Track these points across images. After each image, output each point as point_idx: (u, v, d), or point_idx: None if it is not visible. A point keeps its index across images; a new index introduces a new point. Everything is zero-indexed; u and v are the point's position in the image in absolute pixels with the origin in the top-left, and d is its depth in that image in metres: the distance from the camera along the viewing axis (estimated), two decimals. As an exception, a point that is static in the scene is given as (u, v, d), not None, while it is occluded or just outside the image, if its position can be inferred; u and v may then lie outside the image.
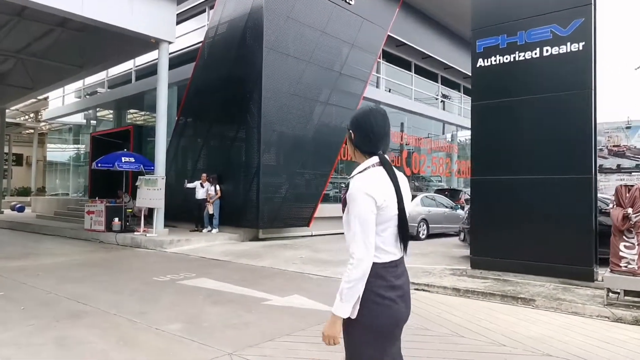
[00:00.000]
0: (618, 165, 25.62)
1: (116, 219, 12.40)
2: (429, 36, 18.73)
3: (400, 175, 1.89)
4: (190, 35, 15.02)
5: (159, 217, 11.74)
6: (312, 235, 13.72)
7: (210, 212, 12.60)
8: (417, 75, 19.72)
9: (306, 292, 6.31)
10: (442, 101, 21.84)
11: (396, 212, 1.83)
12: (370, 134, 1.86)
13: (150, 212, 12.12)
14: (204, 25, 14.47)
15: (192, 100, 14.24)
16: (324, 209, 13.67)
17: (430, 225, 13.97)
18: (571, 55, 6.58)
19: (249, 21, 12.56)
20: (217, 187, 12.66)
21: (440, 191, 17.53)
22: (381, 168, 1.84)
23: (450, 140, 22.91)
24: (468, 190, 19.34)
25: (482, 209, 7.42)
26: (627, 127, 25.06)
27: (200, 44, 14.22)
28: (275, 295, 6.10)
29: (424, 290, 6.54)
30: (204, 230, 12.72)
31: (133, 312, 5.21)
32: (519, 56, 7.05)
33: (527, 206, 6.93)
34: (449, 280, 6.93)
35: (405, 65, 19.10)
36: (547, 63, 6.78)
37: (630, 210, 5.24)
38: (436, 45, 19.22)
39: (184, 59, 14.87)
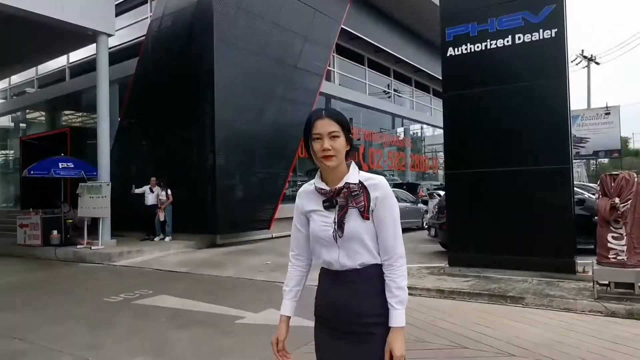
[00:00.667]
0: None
1: (55, 232, 11.17)
2: (381, 30, 18.55)
3: None
4: (132, 28, 13.89)
5: (104, 227, 10.68)
6: (272, 238, 13.09)
7: (162, 218, 11.66)
8: (370, 69, 19.51)
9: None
10: (394, 95, 21.80)
11: None
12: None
13: (94, 222, 11.02)
14: (147, 17, 13.41)
15: (136, 98, 13.15)
16: (284, 210, 13.07)
17: None
18: (544, 43, 6.40)
19: (197, 12, 11.71)
20: (169, 191, 11.73)
21: (398, 185, 17.41)
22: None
23: (403, 134, 22.96)
24: (425, 183, 19.49)
25: (459, 204, 7.14)
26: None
27: (143, 38, 13.16)
28: (248, 312, 5.48)
29: (406, 293, 6.14)
30: (156, 239, 11.76)
31: (84, 346, 4.42)
32: (491, 44, 6.81)
33: (504, 199, 6.72)
34: (430, 280, 6.59)
35: (358, 59, 18.82)
36: (520, 51, 6.57)
37: (617, 200, 5.09)
38: (388, 39, 19.07)
39: (125, 54, 13.73)
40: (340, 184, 1.68)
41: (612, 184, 5.22)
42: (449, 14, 7.20)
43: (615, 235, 5.17)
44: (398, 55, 19.78)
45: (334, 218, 1.69)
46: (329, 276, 1.77)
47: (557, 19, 6.33)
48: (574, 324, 4.68)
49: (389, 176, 21.36)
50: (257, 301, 6.02)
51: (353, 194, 1.67)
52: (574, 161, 27.37)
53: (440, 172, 26.07)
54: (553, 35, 6.34)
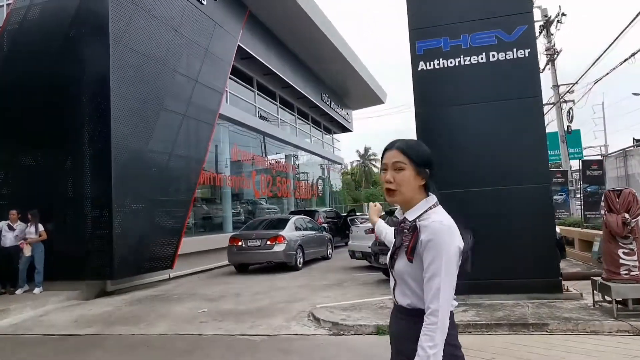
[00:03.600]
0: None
1: None
2: (271, 54, 17.88)
3: None
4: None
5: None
6: (170, 279, 11.05)
7: (28, 253, 8.79)
8: (259, 92, 18.62)
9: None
10: (279, 121, 21.19)
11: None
12: (434, 172, 1.68)
13: None
14: (2, 5, 10.51)
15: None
16: (185, 244, 11.21)
17: (305, 252, 12.36)
18: (519, 62, 6.41)
19: (84, 6, 9.50)
20: (40, 227, 9.02)
21: (295, 213, 16.59)
22: (440, 208, 1.65)
23: (288, 160, 22.37)
24: (322, 210, 19.05)
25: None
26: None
27: (-4, 31, 10.23)
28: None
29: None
30: (19, 291, 8.87)
31: None
32: (465, 60, 6.61)
33: (483, 221, 6.39)
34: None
35: (247, 80, 17.79)
36: (495, 68, 6.49)
37: (627, 215, 5.09)
38: (277, 64, 18.48)
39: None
40: (402, 217, 1.67)
41: (617, 200, 5.24)
42: (419, 26, 6.84)
43: (625, 250, 5.16)
44: (286, 79, 19.29)
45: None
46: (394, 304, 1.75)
47: (529, 39, 6.42)
48: (620, 348, 4.41)
49: (265, 204, 20.15)
50: (245, 366, 4.55)
51: (403, 231, 1.63)
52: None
53: (314, 199, 26.16)
54: (526, 54, 6.40)
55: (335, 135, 30.65)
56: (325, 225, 16.64)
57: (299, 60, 20.48)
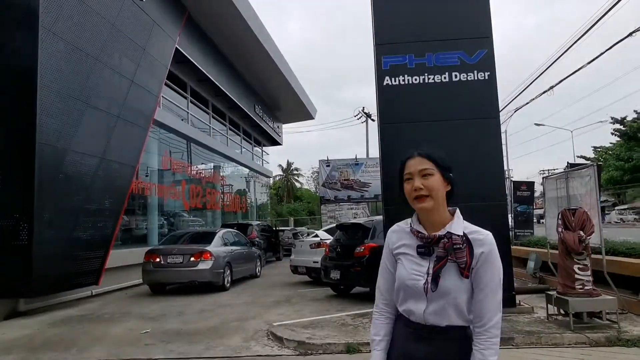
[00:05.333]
0: (348, 197, 29.78)
1: None
2: (208, 59, 17.24)
3: None
4: None
5: None
6: (92, 296, 9.98)
7: None
8: (192, 99, 17.81)
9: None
10: (211, 130, 20.42)
11: None
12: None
13: None
14: None
15: None
16: (114, 257, 10.22)
17: (233, 269, 10.87)
18: (479, 83, 6.68)
19: (8, -14, 8.40)
20: (-62, 237, 7.68)
21: (227, 226, 15.90)
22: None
23: (217, 171, 21.55)
24: (257, 223, 18.50)
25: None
26: (356, 164, 29.48)
27: None
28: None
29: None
30: None
31: None
32: (429, 78, 6.76)
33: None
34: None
35: (181, 85, 16.95)
36: (458, 88, 6.70)
37: (582, 232, 5.42)
38: (211, 70, 17.86)
39: None
40: (442, 232, 1.55)
41: (572, 218, 5.57)
42: (385, 42, 6.88)
43: (580, 266, 5.48)
44: (220, 87, 18.67)
45: (428, 269, 1.54)
46: (407, 327, 1.59)
47: (489, 63, 6.72)
48: (582, 358, 4.62)
49: (188, 217, 19.11)
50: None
51: (455, 246, 1.52)
52: (361, 204, 30.47)
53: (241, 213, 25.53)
54: (486, 77, 6.69)
55: (264, 148, 30.27)
56: (258, 239, 16.17)
57: (234, 69, 20.02)
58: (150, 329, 6.60)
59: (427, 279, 1.53)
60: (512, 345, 5.14)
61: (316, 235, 11.16)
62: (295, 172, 63.07)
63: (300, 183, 63.27)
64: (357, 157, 29.75)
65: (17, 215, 7.89)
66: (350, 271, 7.95)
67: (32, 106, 7.93)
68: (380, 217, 8.93)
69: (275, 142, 30.23)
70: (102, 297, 9.96)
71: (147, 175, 14.38)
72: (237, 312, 7.69)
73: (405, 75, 6.79)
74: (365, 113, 32.54)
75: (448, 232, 1.54)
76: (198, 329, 6.50)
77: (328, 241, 10.11)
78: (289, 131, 61.12)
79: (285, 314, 7.29)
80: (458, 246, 1.52)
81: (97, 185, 9.67)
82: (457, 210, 1.61)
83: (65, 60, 8.72)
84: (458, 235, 1.53)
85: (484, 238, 1.54)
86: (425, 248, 1.56)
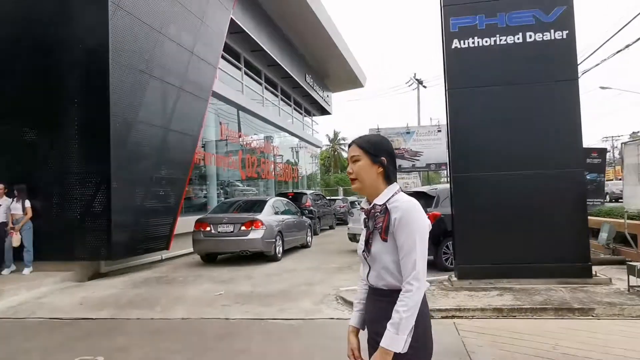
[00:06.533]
0: (399, 166, 29.43)
1: None
2: (261, 29, 17.23)
3: None
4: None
5: None
6: (162, 260, 10.56)
7: (17, 243, 8.17)
8: (246, 70, 17.96)
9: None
10: (264, 100, 20.60)
11: None
12: (394, 161, 1.81)
13: None
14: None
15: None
16: (181, 224, 10.71)
17: (285, 239, 10.68)
18: (557, 43, 6.29)
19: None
20: (27, 203, 8.33)
21: (282, 195, 16.19)
22: (403, 194, 1.76)
23: (269, 141, 21.85)
24: (310, 192, 18.75)
25: (467, 211, 6.51)
26: (407, 132, 28.96)
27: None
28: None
29: (455, 317, 5.19)
30: (5, 271, 8.20)
31: None
32: (501, 40, 6.44)
33: (515, 205, 6.35)
34: (454, 298, 5.75)
35: (234, 56, 17.10)
36: (532, 49, 6.35)
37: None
38: (265, 40, 17.85)
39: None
40: (370, 205, 1.76)
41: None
42: (453, 2, 6.59)
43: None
44: (273, 57, 18.68)
45: (366, 237, 1.77)
46: (368, 290, 1.83)
47: (568, 20, 6.30)
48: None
49: (242, 187, 19.52)
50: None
51: (375, 215, 1.71)
52: (413, 173, 30.01)
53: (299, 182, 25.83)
54: (564, 36, 6.29)
55: (314, 118, 30.27)
56: (312, 208, 16.38)
57: (286, 38, 19.93)
58: (223, 291, 6.94)
59: (364, 247, 1.75)
60: (593, 316, 5.00)
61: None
62: (342, 142, 62.79)
63: (347, 152, 62.96)
64: (409, 125, 29.20)
65: (97, 185, 8.40)
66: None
67: (105, 80, 8.29)
68: (444, 185, 8.81)
69: (325, 112, 30.14)
70: (171, 262, 10.52)
71: (202, 146, 14.79)
72: (302, 277, 7.92)
73: (475, 37, 6.50)
74: (417, 80, 31.64)
75: (374, 204, 1.73)
76: (269, 292, 6.77)
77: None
78: (338, 100, 60.49)
79: (351, 279, 7.42)
80: (377, 214, 1.70)
81: (164, 155, 10.08)
82: (391, 186, 1.74)
83: (132, 34, 8.99)
84: (379, 205, 1.70)
85: (399, 205, 1.67)
86: (364, 221, 1.79)
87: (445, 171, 31.20)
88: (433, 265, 7.84)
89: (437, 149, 28.69)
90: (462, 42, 6.52)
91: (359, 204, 15.38)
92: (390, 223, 1.66)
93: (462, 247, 6.54)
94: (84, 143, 8.49)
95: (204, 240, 9.80)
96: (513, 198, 6.36)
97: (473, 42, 6.50)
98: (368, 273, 1.76)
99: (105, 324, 5.53)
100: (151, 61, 9.56)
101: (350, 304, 5.88)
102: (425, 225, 1.67)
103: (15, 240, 8.15)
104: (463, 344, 4.30)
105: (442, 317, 5.18)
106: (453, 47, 6.56)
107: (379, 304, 1.71)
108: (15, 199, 8.31)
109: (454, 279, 6.51)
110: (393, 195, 1.72)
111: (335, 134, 61.51)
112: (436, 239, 7.64)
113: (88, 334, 5.12)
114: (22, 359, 4.38)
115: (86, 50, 8.51)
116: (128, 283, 7.94)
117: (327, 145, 61.58)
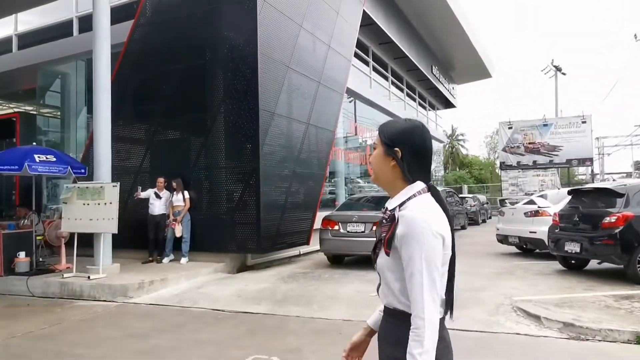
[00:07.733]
0: (534, 162, 26.77)
1: (22, 254, 7.72)
2: (390, 20, 16.66)
3: None
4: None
5: (106, 247, 7.52)
6: (300, 255, 10.52)
7: (179, 234, 8.63)
8: (374, 63, 17.53)
9: None
10: (390, 94, 20.00)
11: (450, 253, 1.41)
12: (423, 155, 1.46)
13: (70, 238, 7.85)
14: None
15: (129, 73, 9.90)
16: (319, 219, 10.59)
17: None
18: None
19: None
20: (187, 194, 8.78)
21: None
22: (429, 195, 1.43)
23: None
24: (442, 189, 17.76)
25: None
26: (544, 125, 26.23)
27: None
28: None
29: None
30: (165, 260, 8.72)
31: None
32: None
33: None
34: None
35: (362, 49, 16.76)
36: None
37: None
38: (394, 32, 17.23)
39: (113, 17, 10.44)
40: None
41: None
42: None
43: None
44: (402, 49, 17.97)
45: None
46: None
47: None
48: None
49: (363, 183, 19.00)
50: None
51: (383, 221, 1.47)
52: (549, 169, 27.04)
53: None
54: None
55: (437, 112, 28.89)
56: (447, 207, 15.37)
57: (413, 29, 19.15)
58: (373, 293, 6.50)
59: (372, 254, 1.54)
60: None
61: (531, 202, 9.90)
62: (460, 137, 59.67)
63: (466, 149, 59.66)
64: (546, 117, 26.35)
65: (247, 178, 8.55)
66: (595, 244, 6.72)
67: (254, 75, 8.39)
68: (635, 181, 7.41)
69: (449, 105, 28.60)
70: (308, 257, 10.45)
71: (336, 141, 14.65)
72: (459, 281, 7.16)
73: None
74: (554, 66, 28.49)
75: (386, 207, 1.49)
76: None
77: (548, 209, 8.89)
78: (462, 92, 57.33)
79: (520, 287, 6.52)
80: (385, 221, 1.46)
81: (305, 150, 10.03)
82: (411, 186, 1.44)
83: (278, 28, 9.03)
84: (389, 211, 1.46)
85: (405, 216, 1.37)
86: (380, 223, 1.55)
87: (590, 167, 27.72)
88: (623, 277, 6.58)
89: (580, 143, 25.63)
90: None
91: (509, 202, 14.09)
92: (395, 235, 1.38)
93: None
94: (236, 136, 8.69)
95: (332, 240, 8.93)
96: None
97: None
98: (378, 285, 1.51)
99: (266, 319, 5.41)
100: (293, 55, 9.54)
101: (534, 317, 5.05)
102: (431, 244, 1.31)
103: (177, 230, 8.62)
104: None
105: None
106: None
107: (385, 323, 1.50)
108: (174, 192, 8.80)
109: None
110: (409, 199, 1.41)
111: (453, 130, 58.72)
112: (629, 245, 6.36)
113: (254, 330, 5.01)
114: (198, 352, 4.35)
115: (236, 47, 8.72)
116: (276, 277, 7.92)
117: (444, 142, 59.07)
